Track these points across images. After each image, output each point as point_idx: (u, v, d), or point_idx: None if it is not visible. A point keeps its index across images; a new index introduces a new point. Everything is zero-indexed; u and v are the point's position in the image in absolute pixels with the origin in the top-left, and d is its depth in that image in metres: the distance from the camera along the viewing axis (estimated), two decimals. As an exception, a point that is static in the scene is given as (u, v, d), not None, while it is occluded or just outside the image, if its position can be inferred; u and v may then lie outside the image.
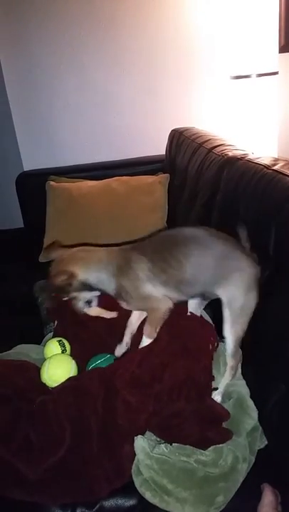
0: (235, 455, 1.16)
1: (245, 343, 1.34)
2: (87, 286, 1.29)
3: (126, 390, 1.20)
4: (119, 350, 1.42)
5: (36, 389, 1.31)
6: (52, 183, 2.80)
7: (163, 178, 2.75)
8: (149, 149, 3.09)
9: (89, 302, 1.36)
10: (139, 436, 1.18)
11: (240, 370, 1.34)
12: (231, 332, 1.26)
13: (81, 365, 1.39)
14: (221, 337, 1.33)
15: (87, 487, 1.14)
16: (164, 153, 2.93)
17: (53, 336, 1.53)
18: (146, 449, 1.15)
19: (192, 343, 1.31)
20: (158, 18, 2.92)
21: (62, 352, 1.43)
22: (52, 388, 1.32)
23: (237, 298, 1.25)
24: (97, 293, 1.34)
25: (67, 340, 1.47)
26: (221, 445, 1.16)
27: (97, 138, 3.16)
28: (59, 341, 1.45)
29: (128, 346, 1.41)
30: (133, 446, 1.17)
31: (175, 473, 1.12)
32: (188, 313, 1.42)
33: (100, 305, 1.40)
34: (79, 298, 1.33)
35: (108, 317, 1.44)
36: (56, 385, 1.31)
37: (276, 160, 1.48)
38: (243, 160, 1.64)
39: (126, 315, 1.42)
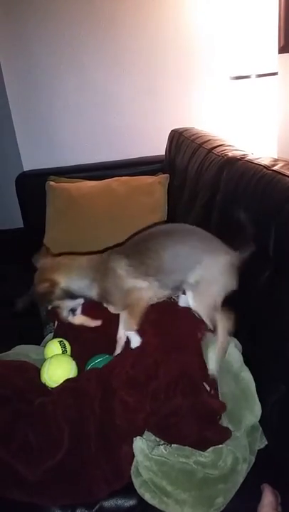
0: (235, 456, 1.16)
1: (246, 343, 1.35)
2: (70, 294, 1.31)
3: (123, 391, 1.20)
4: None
5: (35, 390, 1.31)
6: (52, 183, 2.80)
7: (163, 178, 2.75)
8: (149, 149, 3.09)
9: (73, 310, 1.37)
10: (138, 437, 1.17)
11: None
12: (196, 306, 1.31)
13: (81, 365, 1.39)
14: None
15: (86, 488, 1.14)
16: (164, 153, 2.92)
17: (53, 337, 1.53)
18: (145, 450, 1.15)
19: (182, 338, 1.33)
20: (158, 18, 2.91)
21: (63, 352, 1.43)
22: (51, 389, 1.31)
23: (203, 279, 1.28)
24: (81, 301, 1.36)
25: (67, 341, 1.47)
26: (220, 446, 1.16)
27: (97, 138, 3.16)
28: (60, 342, 1.45)
29: None
30: (131, 447, 1.16)
31: (174, 475, 1.12)
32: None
33: (84, 313, 1.42)
34: (62, 307, 1.35)
35: (92, 325, 1.45)
36: (56, 385, 1.31)
37: (276, 160, 1.48)
38: (243, 160, 1.63)
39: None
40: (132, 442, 1.17)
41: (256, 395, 1.25)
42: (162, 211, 2.70)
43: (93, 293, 1.31)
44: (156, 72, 3.03)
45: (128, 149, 3.10)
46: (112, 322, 1.42)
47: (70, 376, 1.34)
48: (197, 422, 1.16)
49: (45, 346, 1.48)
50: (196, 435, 1.16)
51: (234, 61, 2.56)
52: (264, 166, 1.44)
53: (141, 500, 1.14)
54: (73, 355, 1.43)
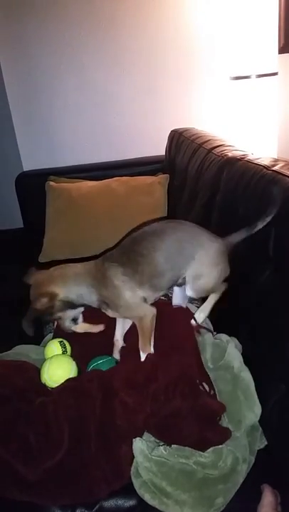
0: (235, 456, 1.15)
1: (246, 343, 1.35)
2: (70, 304, 1.30)
3: (123, 392, 1.20)
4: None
5: (35, 389, 1.30)
6: (52, 183, 2.80)
7: (163, 178, 2.75)
8: (149, 150, 3.10)
9: (75, 320, 1.36)
10: (138, 438, 1.17)
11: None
12: (195, 295, 1.38)
13: (81, 366, 1.39)
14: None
15: (86, 488, 1.14)
16: (164, 153, 2.93)
17: (53, 337, 1.53)
18: (145, 451, 1.14)
19: (179, 339, 1.34)
20: (158, 18, 2.92)
21: (63, 353, 1.43)
22: (52, 389, 1.31)
23: (199, 273, 1.33)
24: (82, 309, 1.35)
25: (67, 341, 1.47)
26: (220, 446, 1.16)
27: (97, 138, 3.16)
28: (60, 342, 1.45)
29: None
30: (131, 447, 1.16)
31: (174, 476, 1.12)
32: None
33: (85, 321, 1.41)
34: (64, 317, 1.33)
35: (96, 331, 1.45)
36: (56, 385, 1.31)
37: (276, 160, 1.48)
38: (243, 160, 1.63)
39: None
40: (132, 443, 1.17)
41: (256, 395, 1.25)
42: (162, 211, 2.70)
43: (93, 299, 1.30)
44: (156, 72, 3.04)
45: (128, 149, 3.10)
46: (110, 323, 1.43)
47: (71, 376, 1.34)
48: (197, 423, 1.16)
49: (45, 346, 1.48)
50: (196, 436, 1.16)
51: (234, 61, 2.56)
52: (264, 166, 1.44)
53: (141, 501, 1.14)
54: (73, 356, 1.43)
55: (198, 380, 1.26)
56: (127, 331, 1.45)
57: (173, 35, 2.96)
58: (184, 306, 1.47)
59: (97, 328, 1.44)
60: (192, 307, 1.55)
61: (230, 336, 1.38)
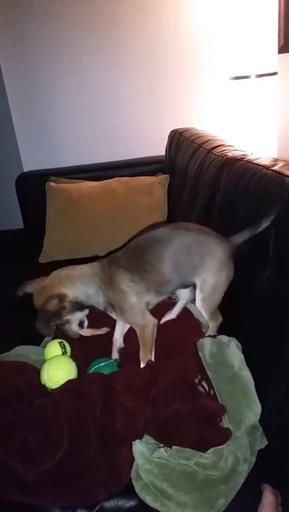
0: (236, 456, 1.15)
1: (246, 343, 1.35)
2: (79, 305, 1.29)
3: (123, 395, 1.20)
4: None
5: (35, 390, 1.30)
6: (52, 183, 2.80)
7: (163, 178, 2.75)
8: (149, 150, 3.09)
9: (81, 323, 1.35)
10: (138, 440, 1.17)
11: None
12: (203, 307, 1.36)
13: (81, 367, 1.39)
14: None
15: (85, 490, 1.14)
16: (164, 153, 2.93)
17: (53, 338, 1.53)
18: (145, 453, 1.14)
19: (179, 344, 1.35)
20: (158, 18, 2.92)
21: (63, 353, 1.43)
22: (52, 390, 1.31)
23: (207, 280, 1.33)
24: (87, 312, 1.34)
25: (67, 341, 1.47)
26: (221, 447, 1.16)
27: (97, 138, 3.16)
28: (60, 343, 1.45)
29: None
30: (131, 450, 1.16)
31: (175, 477, 1.12)
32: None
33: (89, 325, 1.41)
34: (72, 320, 1.32)
35: (103, 333, 1.45)
36: (56, 386, 1.31)
37: (276, 160, 1.48)
38: (243, 160, 1.63)
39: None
40: (131, 446, 1.17)
41: (255, 394, 1.25)
42: (162, 211, 2.70)
43: (99, 300, 1.30)
44: (156, 72, 3.04)
45: (128, 150, 3.10)
46: (111, 325, 1.44)
47: (70, 377, 1.33)
48: (197, 425, 1.16)
49: (45, 347, 1.48)
50: (196, 437, 1.16)
51: (234, 61, 2.55)
52: (264, 166, 1.44)
53: (141, 502, 1.14)
54: (73, 356, 1.43)
55: (197, 379, 1.26)
56: (127, 331, 1.45)
57: (173, 35, 2.96)
58: (188, 301, 1.49)
59: (102, 331, 1.45)
60: (193, 307, 1.54)
61: (229, 336, 1.38)
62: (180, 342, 1.36)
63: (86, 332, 1.39)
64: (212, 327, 1.43)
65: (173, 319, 1.45)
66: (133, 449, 1.16)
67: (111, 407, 1.19)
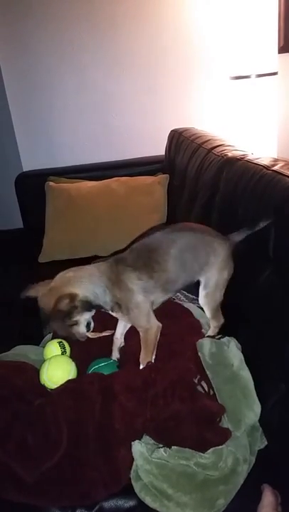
0: (236, 457, 1.15)
1: (246, 343, 1.35)
2: (88, 305, 1.28)
3: (123, 396, 1.20)
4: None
5: (34, 390, 1.30)
6: (51, 183, 2.80)
7: (162, 178, 2.75)
8: (149, 150, 3.09)
9: (88, 325, 1.33)
10: (137, 441, 1.17)
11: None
12: (207, 303, 1.41)
13: (80, 367, 1.39)
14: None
15: (84, 491, 1.14)
16: (164, 153, 2.93)
17: (52, 337, 1.52)
18: (144, 453, 1.14)
19: (178, 345, 1.34)
20: (158, 18, 2.92)
21: (62, 353, 1.43)
22: (51, 390, 1.31)
23: (212, 277, 1.38)
24: (93, 313, 1.33)
25: (67, 341, 1.46)
26: (220, 447, 1.16)
27: (97, 138, 3.16)
28: (59, 342, 1.45)
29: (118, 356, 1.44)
30: (130, 451, 1.16)
31: (175, 478, 1.11)
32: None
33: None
34: (80, 321, 1.30)
35: (108, 334, 1.45)
36: (55, 386, 1.30)
37: (276, 160, 1.48)
38: (243, 160, 1.63)
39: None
40: (130, 446, 1.16)
41: (255, 394, 1.24)
42: (162, 211, 2.70)
43: (107, 300, 1.29)
44: (156, 72, 3.04)
45: (128, 149, 3.10)
46: (111, 325, 1.43)
47: (70, 377, 1.33)
48: (196, 425, 1.16)
49: (44, 347, 1.48)
50: (195, 437, 1.16)
51: (234, 61, 2.56)
52: (264, 166, 1.44)
53: (141, 502, 1.13)
54: (73, 356, 1.43)
55: (197, 379, 1.26)
56: (127, 331, 1.45)
57: (173, 34, 2.96)
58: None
59: (106, 333, 1.45)
60: (192, 307, 1.55)
61: (229, 336, 1.38)
62: (179, 343, 1.35)
63: (91, 335, 1.38)
64: (213, 327, 1.43)
65: (173, 320, 1.44)
66: (132, 450, 1.15)
67: (110, 407, 1.19)
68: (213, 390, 1.25)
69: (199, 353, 1.30)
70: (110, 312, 1.34)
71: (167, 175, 2.75)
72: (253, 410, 1.23)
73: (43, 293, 1.29)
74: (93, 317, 1.34)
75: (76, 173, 2.97)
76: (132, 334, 1.41)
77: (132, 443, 1.16)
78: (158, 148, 2.99)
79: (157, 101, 3.09)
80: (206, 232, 1.41)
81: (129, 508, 1.17)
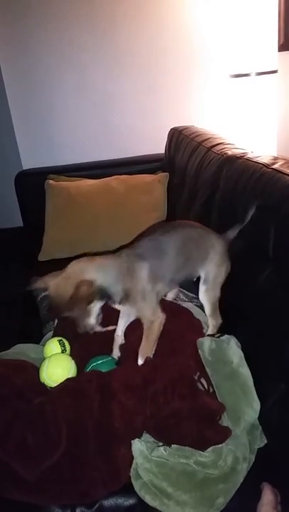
0: (236, 455, 1.15)
1: (245, 343, 1.35)
2: (102, 292, 1.27)
3: (122, 394, 1.20)
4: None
5: (34, 389, 1.30)
6: (51, 181, 2.79)
7: (162, 176, 2.75)
8: (149, 148, 3.09)
9: (98, 316, 1.32)
10: (137, 439, 1.17)
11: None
12: (207, 298, 1.45)
13: (80, 365, 1.38)
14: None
15: (85, 489, 1.14)
16: (164, 151, 2.92)
17: (53, 336, 1.52)
18: (144, 452, 1.14)
19: (178, 342, 1.35)
20: (158, 17, 2.91)
21: (62, 351, 1.43)
22: (51, 388, 1.31)
23: (211, 271, 1.44)
24: (102, 304, 1.32)
25: (67, 340, 1.46)
26: (220, 445, 1.16)
27: (97, 137, 3.16)
28: (59, 341, 1.45)
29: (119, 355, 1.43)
30: (129, 449, 1.16)
31: (175, 476, 1.11)
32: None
33: None
34: (92, 312, 1.29)
35: (112, 329, 1.45)
36: (55, 384, 1.30)
37: (275, 159, 1.48)
38: (243, 159, 1.63)
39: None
40: (130, 444, 1.17)
41: (254, 391, 1.25)
42: (162, 209, 2.70)
43: (118, 289, 1.29)
44: (156, 71, 3.03)
45: (127, 148, 3.09)
46: (110, 321, 1.43)
47: (70, 376, 1.33)
48: (196, 424, 1.16)
49: (44, 345, 1.48)
50: (195, 435, 1.16)
51: (234, 59, 2.55)
52: (263, 165, 1.44)
53: (141, 500, 1.14)
54: (73, 355, 1.43)
55: (196, 376, 1.26)
56: (127, 327, 1.44)
57: (173, 33, 2.95)
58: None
59: (111, 328, 1.45)
60: (191, 306, 1.55)
61: (229, 335, 1.38)
62: (179, 340, 1.36)
63: (99, 328, 1.37)
64: (212, 327, 1.44)
65: (173, 318, 1.44)
66: (132, 448, 1.16)
67: (109, 405, 1.19)
68: (212, 388, 1.26)
69: (199, 351, 1.30)
70: (116, 305, 1.33)
71: (167, 173, 2.74)
72: (252, 407, 1.23)
73: (55, 282, 1.27)
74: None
75: (76, 172, 2.96)
76: (132, 330, 1.41)
77: (132, 441, 1.17)
78: (158, 146, 2.98)
79: (157, 99, 3.08)
80: (204, 229, 1.48)
81: (129, 507, 1.17)
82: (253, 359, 1.30)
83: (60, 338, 1.46)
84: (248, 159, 1.59)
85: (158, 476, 1.11)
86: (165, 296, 1.54)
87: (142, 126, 3.13)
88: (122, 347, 1.44)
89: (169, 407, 1.17)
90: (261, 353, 1.29)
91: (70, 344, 1.46)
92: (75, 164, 3.08)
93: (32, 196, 2.90)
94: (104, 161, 3.07)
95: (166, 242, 1.38)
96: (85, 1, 2.86)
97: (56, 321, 1.62)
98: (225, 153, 1.81)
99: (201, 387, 1.26)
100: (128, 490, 1.15)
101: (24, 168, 3.14)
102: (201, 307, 1.51)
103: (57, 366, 1.35)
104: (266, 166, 1.42)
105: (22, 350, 1.52)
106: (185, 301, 1.66)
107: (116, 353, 1.43)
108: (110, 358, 1.40)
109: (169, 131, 2.85)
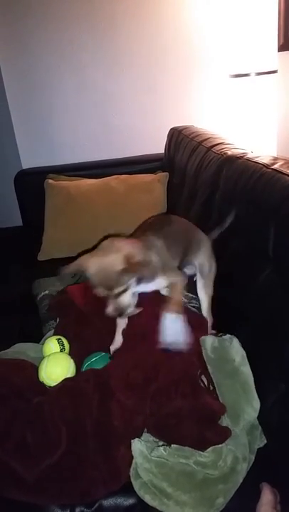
0: (235, 455, 1.15)
1: (245, 343, 1.35)
2: (146, 265, 1.27)
3: (121, 392, 1.20)
4: (113, 347, 1.42)
5: (33, 388, 1.30)
6: (50, 181, 2.79)
7: (162, 176, 2.75)
8: (148, 148, 3.08)
9: (135, 295, 1.30)
10: (137, 439, 1.17)
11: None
12: (205, 293, 1.53)
13: (79, 364, 1.39)
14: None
15: (84, 489, 1.13)
16: (163, 151, 2.92)
17: (54, 334, 1.52)
18: (144, 452, 1.14)
19: None
20: (157, 17, 2.91)
21: (61, 351, 1.43)
22: (50, 388, 1.31)
23: (204, 264, 1.53)
24: (139, 282, 1.29)
25: (66, 339, 1.46)
26: (220, 445, 1.16)
27: (96, 136, 3.15)
28: (58, 340, 1.45)
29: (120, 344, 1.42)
30: (129, 448, 1.16)
31: (174, 476, 1.11)
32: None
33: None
34: (131, 287, 1.26)
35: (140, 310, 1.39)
36: (54, 383, 1.30)
37: (275, 159, 1.48)
38: (242, 159, 1.63)
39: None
40: (130, 444, 1.16)
41: (254, 390, 1.25)
42: (162, 209, 2.70)
43: (157, 260, 1.33)
44: (156, 71, 3.03)
45: (127, 147, 3.09)
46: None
47: (69, 375, 1.33)
48: (197, 423, 1.16)
49: (43, 344, 1.48)
50: (195, 435, 1.16)
51: (234, 59, 2.55)
52: (263, 165, 1.44)
53: (140, 500, 1.13)
54: (72, 354, 1.43)
55: (198, 372, 1.26)
56: (128, 323, 1.43)
57: (172, 33, 2.95)
58: None
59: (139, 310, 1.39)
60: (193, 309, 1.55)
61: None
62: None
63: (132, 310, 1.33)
64: (209, 323, 1.48)
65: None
66: (132, 448, 1.16)
67: (107, 404, 1.19)
68: (212, 385, 1.25)
69: (202, 348, 1.30)
70: (149, 283, 1.33)
71: (167, 173, 2.74)
72: (252, 406, 1.23)
73: (97, 260, 1.23)
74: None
75: (75, 171, 2.96)
76: (132, 317, 1.38)
77: (132, 441, 1.16)
78: (158, 146, 2.98)
79: (157, 99, 3.08)
80: (193, 225, 1.62)
81: (129, 506, 1.17)
82: (253, 359, 1.30)
83: (58, 337, 1.46)
84: (247, 159, 1.59)
85: (158, 476, 1.11)
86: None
87: (142, 126, 3.13)
88: (124, 332, 1.42)
89: (170, 406, 1.17)
90: (261, 352, 1.29)
91: (69, 343, 1.46)
92: (75, 164, 3.08)
93: (32, 196, 2.89)
94: (104, 161, 3.07)
95: (172, 228, 1.50)
96: (85, 1, 2.86)
97: (58, 319, 1.62)
98: (225, 153, 1.81)
99: (201, 384, 1.26)
100: (128, 490, 1.15)
101: (24, 168, 3.14)
102: (199, 309, 1.53)
103: (56, 365, 1.35)
104: (266, 166, 1.42)
105: (21, 350, 1.52)
106: (185, 301, 1.66)
107: (118, 338, 1.42)
108: (103, 354, 1.39)
109: (169, 131, 2.85)
